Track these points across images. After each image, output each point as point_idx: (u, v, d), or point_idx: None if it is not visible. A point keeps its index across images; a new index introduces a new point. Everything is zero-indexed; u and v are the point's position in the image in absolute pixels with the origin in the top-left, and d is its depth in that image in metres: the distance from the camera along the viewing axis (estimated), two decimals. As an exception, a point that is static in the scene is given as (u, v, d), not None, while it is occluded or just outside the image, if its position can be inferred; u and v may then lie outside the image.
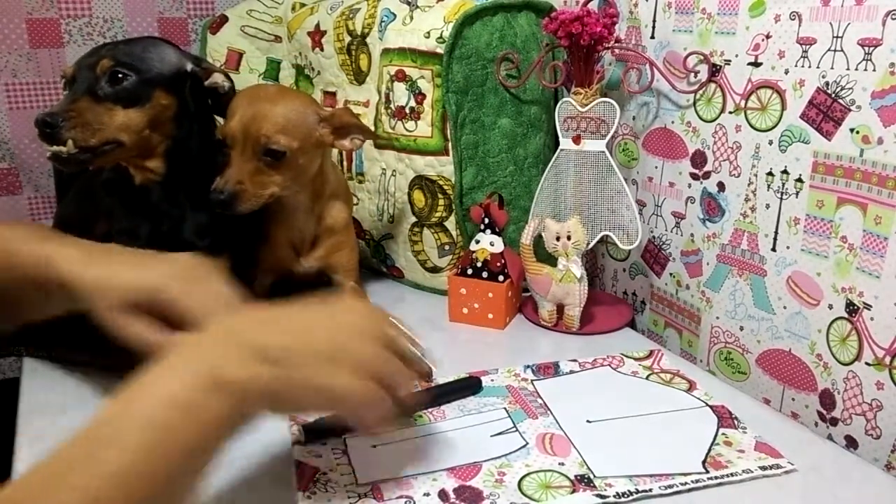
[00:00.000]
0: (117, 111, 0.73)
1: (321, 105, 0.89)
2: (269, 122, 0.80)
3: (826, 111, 0.70)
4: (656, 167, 0.92)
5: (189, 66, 0.78)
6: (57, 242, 0.62)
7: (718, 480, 0.61)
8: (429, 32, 0.95)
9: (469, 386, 0.76)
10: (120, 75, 0.72)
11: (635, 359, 0.84)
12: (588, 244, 0.88)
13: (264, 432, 0.68)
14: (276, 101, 0.82)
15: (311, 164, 0.86)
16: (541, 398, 0.75)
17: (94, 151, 0.72)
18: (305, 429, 0.67)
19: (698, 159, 0.86)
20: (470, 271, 0.93)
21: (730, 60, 0.80)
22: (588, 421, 0.71)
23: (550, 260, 0.90)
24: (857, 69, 0.67)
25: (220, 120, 1.20)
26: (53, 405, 0.71)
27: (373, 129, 1.04)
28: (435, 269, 1.03)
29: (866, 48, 0.66)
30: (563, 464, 0.63)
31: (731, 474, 0.62)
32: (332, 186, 0.93)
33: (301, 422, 0.67)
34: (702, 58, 0.83)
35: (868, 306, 0.67)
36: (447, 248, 1.01)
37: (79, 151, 0.71)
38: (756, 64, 0.77)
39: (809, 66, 0.71)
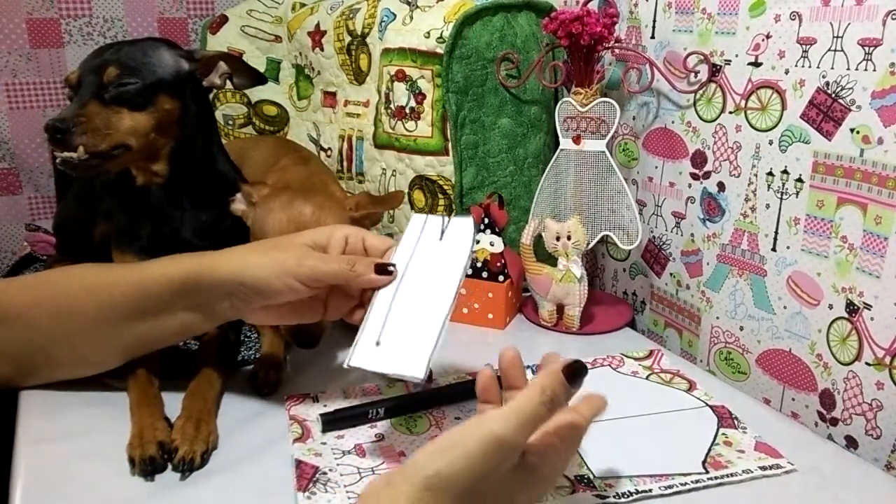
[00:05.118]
0: (124, 114, 0.73)
1: (342, 198, 0.84)
2: None
3: (826, 111, 0.70)
4: (656, 167, 0.92)
5: (186, 66, 0.78)
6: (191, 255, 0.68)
7: (718, 480, 0.61)
8: (429, 32, 0.95)
9: None
10: (125, 80, 0.73)
11: (635, 359, 0.84)
12: (588, 244, 0.88)
13: (264, 432, 0.68)
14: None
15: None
16: (541, 398, 0.74)
17: (104, 156, 0.72)
18: (324, 418, 0.67)
19: (698, 159, 0.86)
20: (470, 271, 0.93)
21: (730, 60, 0.80)
22: (588, 421, 0.70)
23: (550, 260, 0.90)
24: (857, 69, 0.67)
25: (224, 113, 1.21)
26: (55, 405, 0.71)
27: (373, 128, 1.05)
28: (435, 269, 1.03)
29: (866, 48, 0.66)
30: (563, 464, 0.63)
31: (731, 474, 0.62)
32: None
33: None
34: (702, 58, 0.83)
35: (868, 306, 0.67)
36: (447, 248, 1.01)
37: (89, 157, 0.71)
38: (756, 64, 0.77)
39: (809, 66, 0.71)
